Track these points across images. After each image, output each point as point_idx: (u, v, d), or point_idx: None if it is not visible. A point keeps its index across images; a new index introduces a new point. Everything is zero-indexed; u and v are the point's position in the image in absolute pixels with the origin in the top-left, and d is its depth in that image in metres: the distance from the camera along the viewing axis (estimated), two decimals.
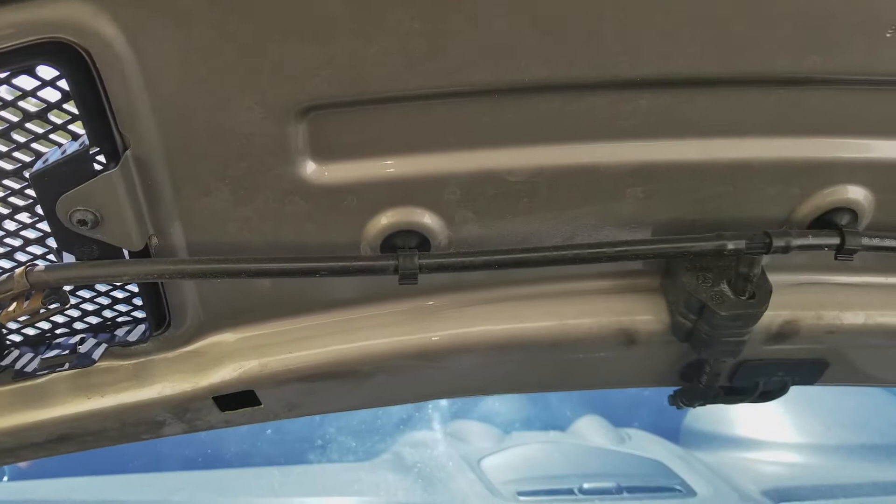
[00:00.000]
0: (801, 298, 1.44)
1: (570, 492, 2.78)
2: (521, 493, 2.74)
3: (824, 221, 1.33)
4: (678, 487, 2.82)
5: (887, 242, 1.29)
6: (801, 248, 1.28)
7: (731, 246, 1.25)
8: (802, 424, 4.21)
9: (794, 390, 1.59)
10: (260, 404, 1.49)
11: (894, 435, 4.11)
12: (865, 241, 1.28)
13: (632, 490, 2.79)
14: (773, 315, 1.43)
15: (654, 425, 4.28)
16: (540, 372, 1.54)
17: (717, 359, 1.46)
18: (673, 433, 4.26)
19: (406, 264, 1.22)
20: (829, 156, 1.25)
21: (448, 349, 1.41)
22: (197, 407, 1.46)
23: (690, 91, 1.15)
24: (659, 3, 1.02)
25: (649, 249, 1.25)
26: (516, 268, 1.27)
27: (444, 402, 4.24)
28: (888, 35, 1.07)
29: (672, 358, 1.47)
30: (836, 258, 1.30)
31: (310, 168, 1.18)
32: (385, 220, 1.26)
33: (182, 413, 1.47)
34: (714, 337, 1.34)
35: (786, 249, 1.27)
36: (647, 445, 3.51)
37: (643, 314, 1.41)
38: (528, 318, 1.41)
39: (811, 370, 1.55)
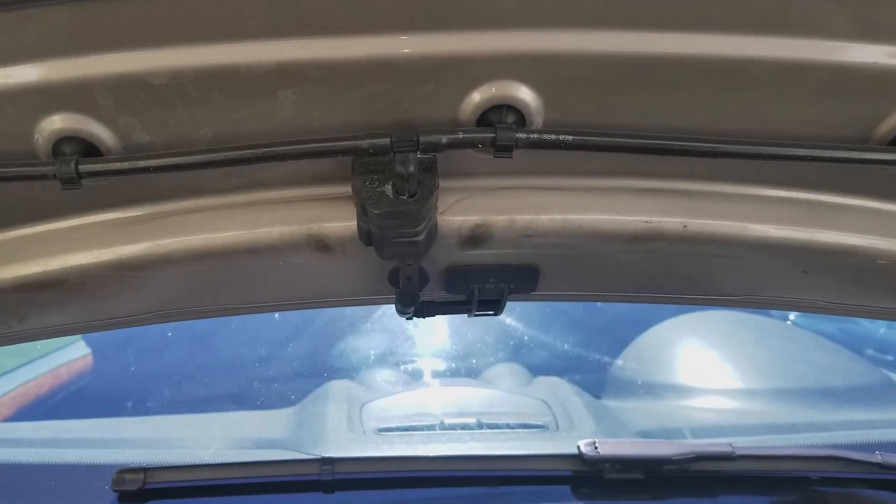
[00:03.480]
0: (494, 203, 1.45)
1: (431, 427, 2.82)
2: (381, 430, 2.79)
3: (486, 120, 1.33)
4: (541, 424, 2.84)
5: (546, 137, 1.29)
6: (452, 145, 1.28)
7: (365, 145, 1.26)
8: (732, 372, 4.18)
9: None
10: None
11: (816, 378, 4.05)
12: (520, 136, 1.27)
13: (491, 426, 2.82)
14: (463, 220, 1.44)
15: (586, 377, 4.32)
16: (253, 284, 1.57)
17: (403, 261, 1.48)
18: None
19: (64, 170, 1.26)
20: (472, 50, 1.24)
21: (144, 260, 1.44)
22: None
23: None
24: None
25: (288, 150, 1.26)
26: (176, 170, 1.30)
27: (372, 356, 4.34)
28: None
29: (374, 264, 1.49)
30: (494, 156, 1.30)
31: None
32: (49, 125, 1.29)
33: None
34: (383, 237, 1.35)
35: (436, 147, 1.28)
36: (547, 390, 3.52)
37: (332, 220, 1.43)
38: (222, 228, 1.44)
39: (523, 276, 1.56)
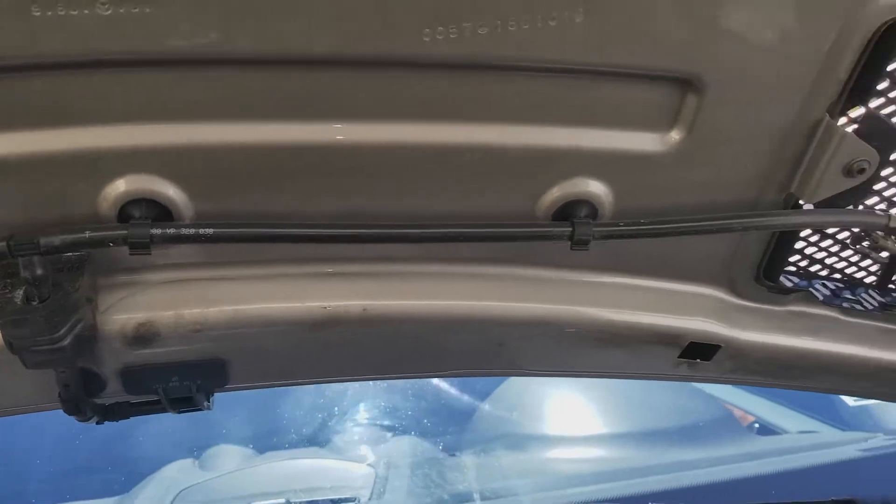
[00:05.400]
0: (161, 298, 1.37)
1: None
2: None
3: (128, 215, 1.26)
4: (352, 497, 2.75)
5: (184, 232, 1.22)
6: (77, 245, 1.20)
7: None
8: (583, 418, 4.19)
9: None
10: None
11: (674, 418, 4.09)
12: (156, 232, 1.21)
13: None
14: (126, 318, 1.36)
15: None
16: None
17: (54, 369, 1.38)
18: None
19: None
20: (97, 145, 1.18)
21: None
22: None
23: None
24: None
25: None
26: None
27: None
28: None
29: (35, 374, 1.38)
30: (130, 253, 1.23)
31: None
32: None
33: None
34: (21, 346, 1.25)
35: (58, 249, 1.20)
36: (391, 452, 3.43)
37: None
38: None
39: (210, 371, 1.48)
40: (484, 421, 4.30)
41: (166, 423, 4.16)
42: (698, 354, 1.62)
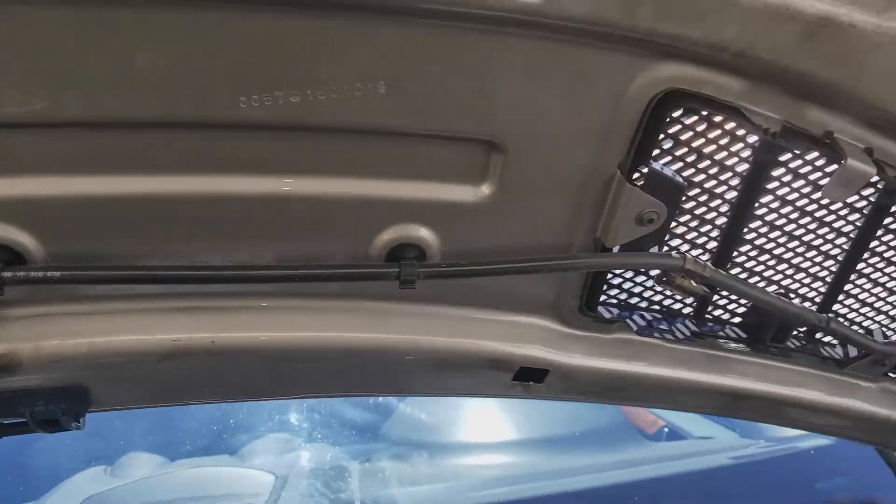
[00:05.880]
0: (22, 332, 1.49)
1: None
2: None
3: None
4: None
5: (33, 275, 1.35)
6: None
7: None
8: (489, 424, 4.34)
9: None
10: None
11: (570, 425, 4.25)
12: (7, 275, 1.33)
13: None
14: None
15: None
16: None
17: None
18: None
19: None
20: None
21: None
22: None
23: None
24: None
25: None
26: None
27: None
28: None
29: None
30: None
31: None
32: None
33: None
34: None
35: None
36: (303, 460, 3.55)
37: None
38: None
39: (73, 396, 1.60)
40: (394, 428, 4.44)
41: (74, 434, 4.21)
42: (530, 377, 1.80)
